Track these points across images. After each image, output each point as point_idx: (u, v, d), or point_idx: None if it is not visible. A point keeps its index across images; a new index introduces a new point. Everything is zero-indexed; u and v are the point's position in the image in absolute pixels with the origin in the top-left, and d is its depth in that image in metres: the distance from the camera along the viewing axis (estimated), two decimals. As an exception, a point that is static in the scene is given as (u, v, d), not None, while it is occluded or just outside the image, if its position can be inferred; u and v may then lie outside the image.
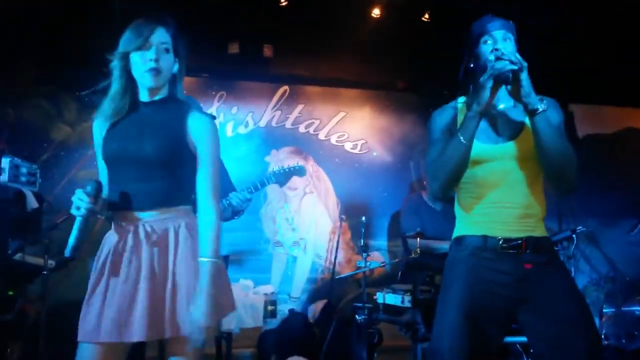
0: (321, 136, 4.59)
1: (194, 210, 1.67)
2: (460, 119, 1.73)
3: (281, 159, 4.48)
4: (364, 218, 3.41)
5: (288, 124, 4.53)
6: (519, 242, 1.67)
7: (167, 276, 1.56)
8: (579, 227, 3.77)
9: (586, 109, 5.23)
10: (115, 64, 1.62)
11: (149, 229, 1.59)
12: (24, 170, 2.75)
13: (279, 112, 4.52)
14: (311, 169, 4.54)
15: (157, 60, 1.59)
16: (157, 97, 1.67)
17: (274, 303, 3.64)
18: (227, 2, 3.91)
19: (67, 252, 1.49)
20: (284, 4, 3.61)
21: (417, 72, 4.48)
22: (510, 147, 1.71)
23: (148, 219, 1.60)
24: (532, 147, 1.69)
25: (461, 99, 1.82)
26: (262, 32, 4.27)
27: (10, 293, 2.74)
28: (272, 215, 4.42)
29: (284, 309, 4.14)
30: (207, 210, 1.60)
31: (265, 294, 3.76)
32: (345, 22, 4.18)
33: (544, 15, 4.08)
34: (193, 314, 1.50)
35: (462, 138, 1.63)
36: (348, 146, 4.62)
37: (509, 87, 1.62)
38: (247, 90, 4.49)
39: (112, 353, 1.54)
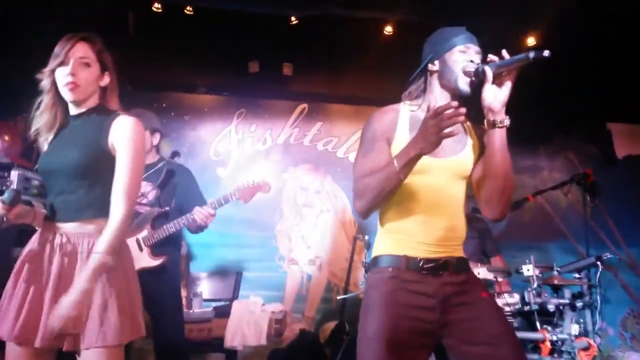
0: (339, 154, 4.56)
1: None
2: (401, 124, 1.62)
3: (298, 175, 4.48)
4: (367, 237, 3.34)
5: (306, 142, 4.54)
6: (440, 262, 1.58)
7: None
8: (606, 254, 3.52)
9: (626, 128, 4.93)
10: (45, 82, 1.68)
11: (64, 240, 1.62)
12: (35, 182, 2.88)
13: (297, 129, 4.53)
14: (328, 186, 4.51)
15: (73, 75, 1.64)
16: (84, 110, 1.71)
17: (279, 322, 3.61)
18: (247, 22, 4.00)
19: None
20: (294, 22, 3.64)
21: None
22: (450, 163, 1.62)
23: (66, 229, 1.64)
24: (468, 167, 1.64)
25: (405, 105, 1.68)
26: (281, 51, 4.34)
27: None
28: (288, 233, 4.41)
29: (297, 328, 4.09)
30: (114, 207, 1.60)
31: (273, 312, 3.74)
32: (363, 39, 4.17)
33: (580, 32, 3.92)
34: (62, 300, 1.51)
35: (401, 176, 1.50)
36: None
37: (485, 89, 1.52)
38: (266, 108, 4.54)
39: (33, 354, 1.58)
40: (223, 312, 3.70)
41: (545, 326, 2.92)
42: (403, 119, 1.63)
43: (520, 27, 3.79)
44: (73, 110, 1.72)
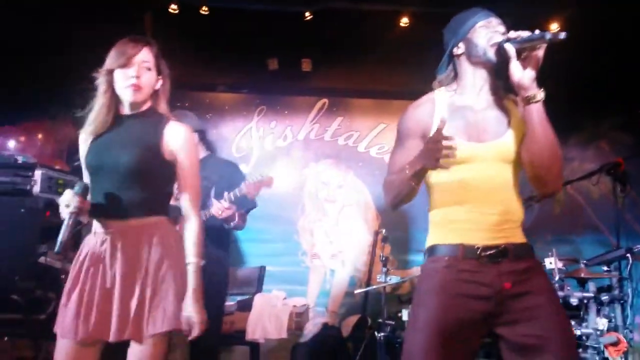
0: (360, 148, 4.54)
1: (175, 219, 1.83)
2: (438, 113, 1.61)
3: (320, 171, 4.49)
4: (384, 231, 3.32)
5: (327, 137, 4.54)
6: (499, 249, 1.54)
7: (136, 283, 1.65)
8: (637, 246, 3.37)
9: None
10: (101, 81, 1.73)
11: (123, 238, 1.68)
12: (60, 182, 3.01)
13: (318, 125, 4.54)
14: (350, 181, 4.50)
15: (138, 77, 1.70)
16: (137, 111, 1.78)
17: (300, 315, 3.63)
18: (264, 20, 4.02)
19: (57, 249, 1.59)
20: (309, 18, 3.65)
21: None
22: (495, 147, 1.59)
23: (122, 227, 1.69)
24: (515, 148, 1.59)
25: (441, 91, 1.67)
26: (300, 47, 4.34)
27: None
28: (310, 228, 4.43)
29: (321, 323, 4.10)
30: (189, 217, 1.80)
31: (295, 306, 3.76)
32: (381, 31, 4.13)
33: (609, 18, 3.76)
34: (185, 311, 1.68)
35: (412, 183, 1.54)
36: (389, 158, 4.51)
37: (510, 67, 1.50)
38: (286, 104, 4.57)
39: (86, 350, 1.66)
40: (245, 306, 3.75)
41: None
42: (440, 106, 1.63)
43: (542, 13, 3.66)
44: (126, 111, 1.77)
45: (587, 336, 2.80)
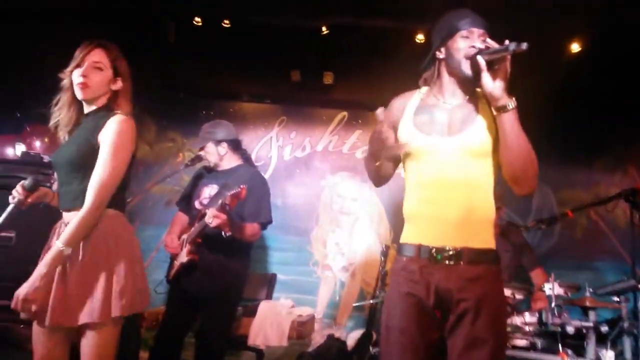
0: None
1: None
2: (408, 109, 1.72)
3: (336, 183, 4.54)
4: (384, 245, 3.32)
5: (345, 149, 4.59)
6: (453, 252, 1.55)
7: (76, 272, 1.73)
8: (653, 277, 3.21)
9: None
10: (65, 82, 1.88)
11: (64, 228, 1.79)
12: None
13: (337, 137, 4.60)
14: (366, 194, 4.52)
15: (85, 76, 1.82)
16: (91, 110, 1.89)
17: (302, 325, 3.67)
18: (288, 33, 4.14)
19: None
20: (325, 32, 3.73)
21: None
22: (456, 141, 1.62)
23: (66, 218, 1.83)
24: (482, 142, 1.61)
25: (423, 89, 1.77)
26: (323, 60, 4.42)
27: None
28: (323, 239, 4.48)
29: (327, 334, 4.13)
30: (85, 201, 1.74)
31: (300, 315, 3.81)
32: (402, 47, 4.15)
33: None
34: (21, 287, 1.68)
35: (376, 163, 1.68)
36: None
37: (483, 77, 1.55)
38: (307, 116, 4.66)
39: (50, 335, 1.77)
40: (252, 311, 3.83)
41: (565, 349, 2.74)
42: (412, 104, 1.72)
43: (564, 33, 3.59)
44: (86, 109, 1.91)
45: (585, 367, 2.70)
